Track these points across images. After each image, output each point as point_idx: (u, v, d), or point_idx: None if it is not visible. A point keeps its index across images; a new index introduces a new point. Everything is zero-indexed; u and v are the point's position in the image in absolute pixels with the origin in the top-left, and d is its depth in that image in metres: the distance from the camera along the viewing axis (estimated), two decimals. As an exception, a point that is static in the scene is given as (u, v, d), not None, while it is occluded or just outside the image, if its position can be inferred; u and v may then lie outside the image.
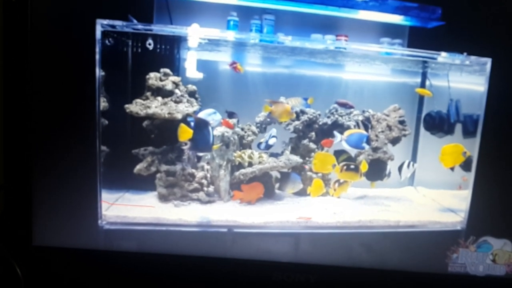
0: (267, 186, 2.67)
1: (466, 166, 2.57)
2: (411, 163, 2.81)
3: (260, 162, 2.64)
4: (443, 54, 2.46)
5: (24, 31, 1.98)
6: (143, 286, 2.21)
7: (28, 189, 2.09)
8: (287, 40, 2.41)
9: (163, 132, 2.57)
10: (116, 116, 2.43)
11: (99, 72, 2.09)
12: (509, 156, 2.37)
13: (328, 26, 2.65)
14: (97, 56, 2.08)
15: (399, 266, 2.27)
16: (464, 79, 2.79)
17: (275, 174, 2.72)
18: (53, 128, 2.08)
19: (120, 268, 2.17)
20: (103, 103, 2.28)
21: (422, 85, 3.11)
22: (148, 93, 2.56)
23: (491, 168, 2.38)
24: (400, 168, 2.81)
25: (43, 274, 2.14)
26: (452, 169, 2.60)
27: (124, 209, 2.34)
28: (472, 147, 2.43)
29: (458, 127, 2.74)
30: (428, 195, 3.08)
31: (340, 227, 2.42)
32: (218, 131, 2.60)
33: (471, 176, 2.40)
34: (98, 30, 2.08)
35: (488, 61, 2.35)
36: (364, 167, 2.65)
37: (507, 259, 2.24)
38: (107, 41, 2.22)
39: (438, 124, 2.80)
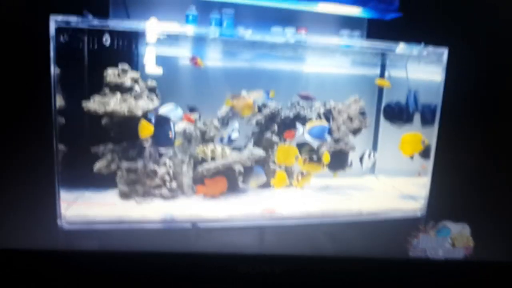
0: (231, 180, 2.60)
1: (424, 154, 2.58)
2: (372, 152, 2.79)
3: (223, 157, 2.57)
4: (401, 45, 2.45)
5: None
6: (107, 286, 2.09)
7: None
8: (247, 34, 2.35)
9: (123, 129, 2.45)
10: (74, 114, 2.31)
11: (54, 70, 2.00)
12: (466, 143, 2.39)
13: (288, 19, 2.60)
14: (52, 53, 1.99)
15: (362, 253, 2.25)
16: (422, 69, 2.79)
17: (238, 168, 2.64)
18: (7, 127, 1.97)
19: (83, 268, 2.05)
20: (59, 101, 2.16)
21: (381, 76, 3.08)
22: (107, 90, 2.44)
23: (448, 155, 2.40)
24: (361, 158, 2.79)
25: (1, 277, 2.01)
26: (411, 157, 2.59)
27: (85, 208, 2.24)
28: (431, 136, 2.47)
29: (417, 117, 2.76)
30: (389, 183, 3.08)
31: (304, 218, 2.38)
32: (179, 126, 2.53)
33: (429, 163, 2.44)
34: (52, 27, 1.99)
35: (444, 51, 2.38)
36: (326, 158, 2.61)
37: (466, 243, 2.24)
38: (62, 38, 2.11)
39: (397, 114, 2.81)
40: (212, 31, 2.41)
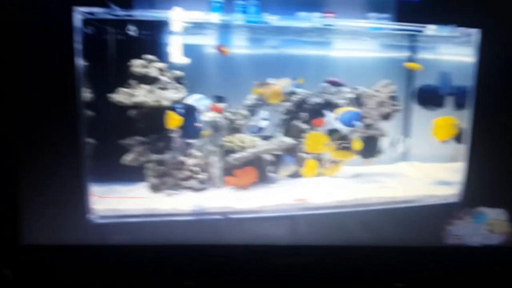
0: (261, 170, 2.57)
1: (459, 138, 2.50)
2: (404, 138, 2.76)
3: (252, 146, 2.54)
4: (431, 27, 2.37)
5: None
6: (139, 279, 2.11)
7: (13, 187, 1.99)
8: (273, 20, 2.30)
9: (150, 121, 2.44)
10: (101, 107, 2.29)
11: (79, 63, 2.00)
12: (502, 126, 2.34)
13: (314, 4, 2.49)
14: (77, 46, 1.98)
15: (396, 242, 2.25)
16: (454, 51, 2.67)
17: (268, 157, 2.62)
18: (36, 123, 1.98)
19: (114, 262, 2.08)
20: (86, 94, 2.15)
21: (412, 59, 2.95)
22: (133, 81, 2.42)
23: (484, 139, 2.34)
24: (393, 144, 2.75)
25: (34, 274, 2.04)
26: (445, 141, 2.53)
27: (115, 201, 2.23)
28: (465, 119, 2.39)
29: (450, 100, 2.67)
30: (423, 169, 2.99)
31: (336, 207, 2.34)
32: (207, 116, 2.50)
33: (464, 148, 2.37)
34: (77, 18, 1.97)
35: (477, 32, 2.30)
36: (357, 145, 2.58)
37: (503, 228, 2.23)
38: (86, 30, 2.08)
39: (429, 97, 2.73)
40: (238, 18, 2.35)
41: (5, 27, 1.87)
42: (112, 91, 2.33)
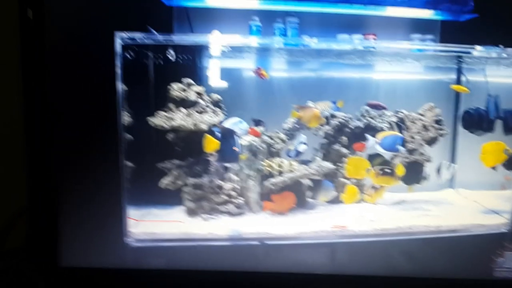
0: (299, 195, 2.61)
1: (509, 164, 2.51)
2: (450, 164, 2.74)
3: (290, 171, 2.58)
4: (478, 47, 2.40)
5: (41, 49, 1.99)
6: None
7: (53, 210, 2.09)
8: (313, 42, 2.37)
9: (188, 144, 2.53)
10: (140, 130, 2.42)
11: (120, 87, 2.10)
12: None
13: (354, 25, 2.62)
14: (118, 71, 2.09)
15: (442, 273, 2.22)
16: (502, 73, 2.74)
17: (306, 182, 2.65)
18: (76, 146, 2.09)
19: (149, 286, 2.16)
20: (126, 118, 2.29)
21: (458, 81, 3.03)
22: (171, 105, 2.54)
23: None
24: (438, 170, 2.74)
25: None
26: (494, 168, 2.52)
27: (151, 225, 2.32)
28: None
29: (499, 124, 2.69)
30: (470, 196, 2.98)
31: (378, 235, 2.36)
32: (245, 140, 2.56)
33: None
34: (118, 44, 2.10)
35: None
36: (400, 171, 2.59)
37: None
38: (127, 54, 2.21)
39: (477, 121, 2.73)
40: (276, 41, 2.45)
41: (51, 51, 2.01)
42: (151, 114, 2.46)
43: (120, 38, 2.10)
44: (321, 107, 2.64)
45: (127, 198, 2.17)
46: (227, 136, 2.29)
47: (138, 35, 2.16)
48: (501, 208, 2.56)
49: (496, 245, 2.21)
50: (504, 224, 2.41)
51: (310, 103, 2.69)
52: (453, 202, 2.87)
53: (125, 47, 2.15)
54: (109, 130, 2.08)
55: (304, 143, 2.67)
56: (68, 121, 2.07)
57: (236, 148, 2.29)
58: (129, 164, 2.27)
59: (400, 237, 2.36)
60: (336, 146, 2.78)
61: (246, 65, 2.77)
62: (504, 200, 2.55)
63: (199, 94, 2.58)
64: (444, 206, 2.78)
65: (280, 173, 2.58)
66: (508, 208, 2.39)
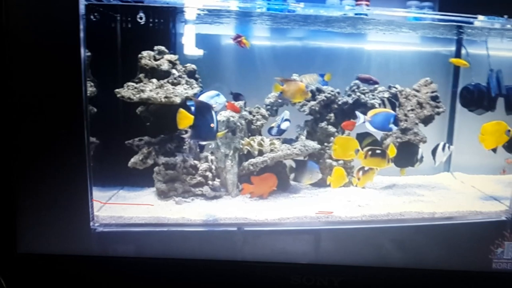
0: (281, 177, 2.70)
1: (510, 146, 2.61)
2: (447, 145, 2.83)
3: (272, 150, 2.66)
4: (480, 17, 2.47)
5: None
6: None
7: (9, 191, 2.12)
8: (299, 7, 2.42)
9: (160, 119, 2.60)
10: (106, 103, 2.47)
11: (84, 53, 2.11)
12: None
13: None
14: (82, 34, 2.08)
15: (436, 265, 2.27)
16: (506, 46, 2.84)
17: (289, 163, 2.73)
18: (34, 120, 2.10)
19: (117, 275, 2.20)
20: (90, 88, 2.32)
21: (457, 54, 3.13)
22: (141, 75, 2.59)
23: None
24: (434, 152, 2.83)
25: (31, 284, 2.18)
26: (494, 150, 2.61)
27: (119, 208, 2.38)
28: None
29: (500, 102, 2.76)
30: (467, 181, 3.11)
31: (366, 222, 2.44)
32: (222, 115, 2.63)
33: None
34: (82, 3, 2.08)
35: None
36: (392, 152, 2.65)
37: None
38: (92, 16, 2.25)
39: (477, 99, 2.80)
40: (259, 5, 2.47)
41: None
42: (118, 85, 2.51)
43: None
44: (307, 80, 2.71)
45: (92, 178, 2.19)
46: (203, 111, 2.28)
47: None
48: (501, 194, 2.68)
49: (495, 234, 2.25)
50: (504, 211, 2.52)
51: (294, 76, 2.77)
52: (449, 187, 2.98)
53: (89, 7, 2.17)
54: (72, 102, 2.09)
55: (288, 120, 2.73)
56: (27, 91, 2.07)
57: (212, 125, 2.29)
58: (94, 140, 2.32)
59: (390, 224, 2.45)
60: (323, 124, 2.88)
61: (225, 32, 2.84)
62: (505, 185, 2.68)
63: (172, 63, 2.63)
64: (439, 191, 2.89)
65: (261, 152, 2.66)
66: (508, 194, 2.49)
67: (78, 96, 2.10)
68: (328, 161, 2.86)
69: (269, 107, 2.92)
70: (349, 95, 2.96)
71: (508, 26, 2.52)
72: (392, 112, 2.69)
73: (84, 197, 2.18)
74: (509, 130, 2.54)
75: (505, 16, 2.44)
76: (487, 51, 2.82)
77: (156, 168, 2.56)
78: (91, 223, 2.23)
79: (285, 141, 2.80)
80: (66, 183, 2.14)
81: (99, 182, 2.31)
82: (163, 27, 2.63)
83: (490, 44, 2.83)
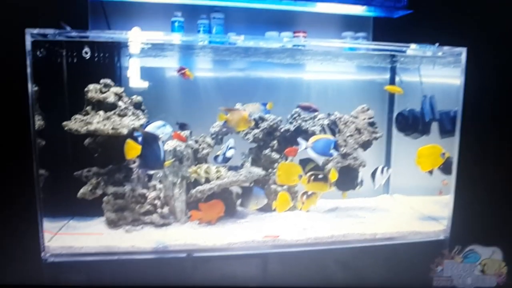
0: (228, 203, 2.88)
1: (445, 168, 2.83)
2: (385, 168, 3.03)
3: (218, 177, 2.83)
4: (413, 46, 2.70)
5: None
6: None
7: None
8: (240, 40, 2.60)
9: (107, 150, 2.75)
10: (54, 135, 2.60)
11: (31, 87, 2.28)
12: (492, 155, 2.69)
13: (283, 22, 2.92)
14: (29, 69, 2.26)
15: (379, 284, 2.48)
16: (438, 73, 3.09)
17: (236, 189, 2.93)
18: None
19: None
20: (38, 122, 2.47)
21: (392, 81, 3.42)
22: (88, 108, 2.75)
23: (473, 169, 2.65)
24: (373, 175, 3.03)
25: None
26: (430, 172, 2.84)
27: (70, 238, 2.53)
28: (451, 147, 2.70)
29: (434, 126, 3.00)
30: (406, 202, 3.37)
31: (311, 244, 2.62)
32: (169, 145, 2.79)
33: (452, 179, 2.67)
34: (28, 41, 2.27)
35: (463, 51, 2.63)
36: (333, 176, 2.85)
37: (497, 269, 2.40)
38: (38, 52, 2.41)
39: (412, 123, 3.05)
40: (201, 38, 2.68)
41: None
42: (66, 118, 2.66)
43: (30, 35, 2.27)
44: (250, 109, 2.90)
45: (42, 209, 2.34)
46: (150, 141, 2.41)
47: (50, 31, 2.33)
48: (439, 214, 2.92)
49: (434, 253, 2.39)
50: (442, 230, 2.75)
51: (238, 105, 2.97)
52: (389, 209, 3.23)
53: (35, 44, 2.32)
54: (21, 135, 2.26)
55: (233, 148, 2.90)
56: None
57: (159, 154, 2.41)
58: (44, 172, 2.47)
59: (334, 246, 2.63)
60: (266, 151, 3.08)
61: (169, 64, 3.04)
62: (442, 205, 2.86)
63: (118, 95, 2.80)
64: (380, 212, 3.14)
65: (208, 180, 2.83)
66: (446, 214, 2.71)
67: (26, 130, 2.26)
68: (273, 186, 3.05)
69: (214, 135, 3.10)
70: (291, 123, 3.17)
71: (439, 53, 2.75)
72: (332, 138, 2.87)
73: (34, 228, 2.32)
74: (443, 153, 2.74)
75: (436, 44, 2.65)
76: (420, 78, 3.09)
77: (105, 198, 2.69)
78: (42, 254, 2.37)
79: (231, 168, 2.96)
80: (16, 214, 2.31)
81: (50, 213, 2.46)
82: (108, 61, 2.78)
83: (422, 71, 3.09)
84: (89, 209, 2.74)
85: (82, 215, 2.82)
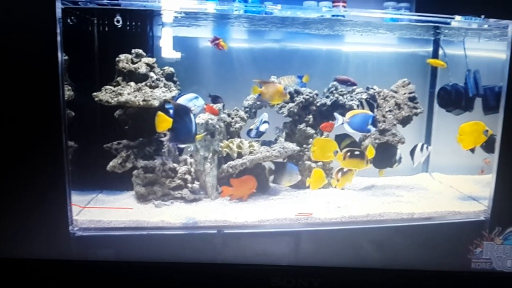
0: (260, 179, 2.80)
1: (488, 146, 2.72)
2: (425, 146, 2.93)
3: (251, 152, 2.76)
4: (457, 17, 2.56)
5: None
6: None
7: None
8: (276, 9, 2.50)
9: (138, 123, 2.70)
10: (84, 106, 2.56)
11: (61, 56, 2.19)
12: None
13: None
14: (59, 38, 2.17)
15: (415, 265, 2.37)
16: (483, 46, 2.96)
17: (268, 165, 2.83)
18: (11, 124, 2.19)
19: (96, 279, 2.29)
20: (68, 92, 2.42)
21: (435, 55, 3.27)
22: (119, 78, 2.69)
23: None
24: (412, 152, 2.93)
25: None
26: (472, 150, 2.73)
27: (98, 212, 2.48)
28: (495, 125, 2.55)
29: (478, 102, 2.87)
30: (446, 182, 3.24)
31: (345, 223, 2.53)
32: (201, 118, 2.71)
33: (494, 158, 2.52)
34: (58, 8, 2.17)
35: (509, 24, 2.49)
36: (370, 153, 2.76)
37: None
38: (69, 20, 2.35)
39: (455, 99, 2.91)
40: (236, 7, 2.55)
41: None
42: (96, 89, 2.60)
43: (60, 1, 2.17)
44: (285, 82, 2.81)
45: (70, 182, 2.27)
46: (182, 114, 2.35)
47: None
48: (480, 194, 2.81)
49: (474, 234, 2.33)
50: (482, 211, 2.63)
51: (273, 78, 2.88)
52: (428, 188, 3.11)
53: (66, 11, 2.25)
54: (50, 106, 2.18)
55: (266, 122, 2.84)
56: (3, 96, 2.15)
57: (191, 127, 2.35)
58: (73, 144, 2.43)
59: (369, 225, 2.55)
60: (301, 126, 2.98)
61: (203, 34, 2.94)
62: (483, 185, 2.77)
63: (150, 66, 2.74)
64: (418, 191, 3.02)
65: (240, 155, 2.76)
66: (487, 194, 2.56)
67: (55, 100, 2.19)
68: (307, 162, 2.96)
69: (247, 109, 3.04)
70: (327, 97, 3.06)
71: (485, 26, 2.61)
72: (370, 113, 2.80)
73: (62, 202, 2.27)
74: (486, 130, 2.65)
75: (482, 16, 2.52)
76: (464, 52, 2.93)
77: (135, 172, 2.66)
78: (70, 228, 2.33)
79: (264, 143, 2.89)
80: (44, 187, 2.23)
81: (78, 186, 2.42)
82: (140, 30, 2.73)
83: (467, 44, 2.93)
84: (118, 182, 2.72)
85: (111, 188, 2.78)
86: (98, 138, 2.72)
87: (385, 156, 2.96)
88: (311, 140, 2.95)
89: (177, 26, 2.78)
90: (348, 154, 2.72)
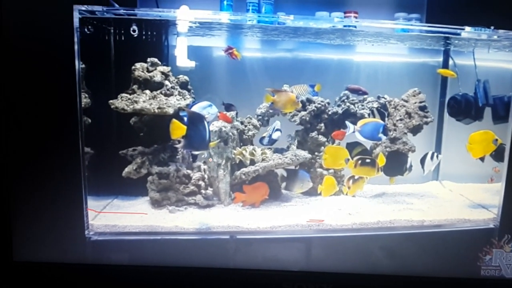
0: (273, 186, 2.78)
1: (497, 155, 2.70)
2: (435, 154, 2.91)
3: (263, 159, 2.75)
4: (467, 28, 2.54)
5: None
6: None
7: (5, 201, 2.23)
8: (289, 20, 2.49)
9: (153, 130, 2.70)
10: (100, 114, 2.56)
11: (78, 65, 2.21)
12: None
13: (334, 2, 2.76)
14: (76, 47, 2.19)
15: (424, 271, 2.37)
16: (492, 57, 2.93)
17: (281, 172, 2.81)
18: (30, 130, 2.22)
19: (111, 283, 2.31)
20: (84, 100, 2.41)
21: (445, 65, 3.22)
22: (135, 86, 2.70)
23: None
24: (422, 161, 2.91)
25: None
26: (482, 159, 2.70)
27: (113, 217, 2.48)
28: (504, 134, 2.54)
29: (488, 112, 2.84)
30: (456, 189, 3.20)
31: (356, 230, 2.51)
32: (214, 126, 2.70)
33: (504, 166, 2.49)
34: (76, 17, 2.20)
35: None
36: (381, 161, 2.75)
37: None
38: (86, 30, 2.35)
39: (465, 108, 2.88)
40: (250, 17, 2.55)
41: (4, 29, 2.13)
42: (112, 97, 2.61)
43: (78, 11, 2.20)
44: (297, 91, 2.81)
45: (87, 187, 2.29)
46: (195, 121, 2.33)
47: (98, 8, 2.25)
48: (489, 202, 2.77)
49: (483, 242, 2.34)
50: (492, 219, 2.59)
51: (285, 87, 2.89)
52: (438, 195, 3.07)
53: (83, 21, 2.27)
54: (67, 113, 2.20)
55: (279, 130, 2.84)
56: (22, 103, 2.18)
57: (205, 134, 2.32)
58: (89, 150, 2.42)
59: (380, 232, 2.52)
60: (313, 134, 2.95)
61: (217, 44, 2.92)
62: (492, 193, 2.73)
63: (165, 74, 2.74)
64: (428, 199, 2.98)
65: (252, 162, 2.75)
66: (496, 202, 2.54)
67: (73, 107, 2.21)
68: (319, 170, 2.94)
69: (260, 117, 3.03)
70: (339, 106, 3.04)
71: (495, 37, 2.59)
72: (381, 122, 2.78)
73: (79, 206, 2.29)
74: (496, 139, 2.63)
75: (492, 27, 2.50)
76: (474, 62, 2.91)
77: (149, 178, 2.65)
78: (86, 232, 2.33)
79: (276, 151, 2.88)
80: (61, 192, 2.25)
81: (94, 192, 2.41)
82: (156, 40, 2.72)
83: (477, 54, 2.91)
84: (133, 188, 2.71)
85: (126, 194, 2.78)
86: (114, 144, 2.72)
87: (396, 164, 2.93)
88: (322, 148, 2.93)
89: (191, 35, 2.78)
90: (359, 162, 2.72)
